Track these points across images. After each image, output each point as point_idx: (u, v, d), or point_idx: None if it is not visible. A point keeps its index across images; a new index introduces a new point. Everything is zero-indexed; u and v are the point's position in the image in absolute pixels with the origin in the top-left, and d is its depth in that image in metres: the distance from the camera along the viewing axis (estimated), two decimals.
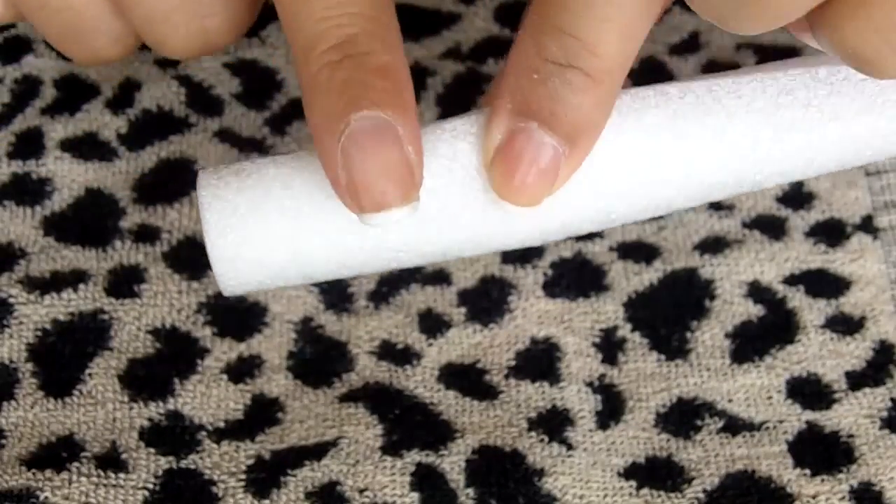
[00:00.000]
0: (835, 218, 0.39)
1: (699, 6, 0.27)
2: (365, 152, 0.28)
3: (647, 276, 0.38)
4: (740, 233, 0.39)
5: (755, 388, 0.36)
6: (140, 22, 0.32)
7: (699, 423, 0.35)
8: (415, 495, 0.34)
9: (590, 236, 0.39)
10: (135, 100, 0.42)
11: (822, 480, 0.34)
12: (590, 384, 0.36)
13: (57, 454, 0.35)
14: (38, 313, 0.37)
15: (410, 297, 0.38)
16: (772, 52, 0.42)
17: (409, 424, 0.35)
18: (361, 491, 0.34)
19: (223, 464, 0.35)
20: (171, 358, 0.37)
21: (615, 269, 0.38)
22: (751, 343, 0.37)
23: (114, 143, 0.41)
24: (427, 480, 0.34)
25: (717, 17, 0.27)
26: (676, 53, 0.43)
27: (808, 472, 0.34)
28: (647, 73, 0.42)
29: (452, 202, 0.30)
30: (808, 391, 0.36)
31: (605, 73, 0.29)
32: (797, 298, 0.38)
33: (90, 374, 0.36)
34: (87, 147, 0.41)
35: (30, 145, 0.41)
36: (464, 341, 0.37)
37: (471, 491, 0.34)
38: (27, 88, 0.42)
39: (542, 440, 0.35)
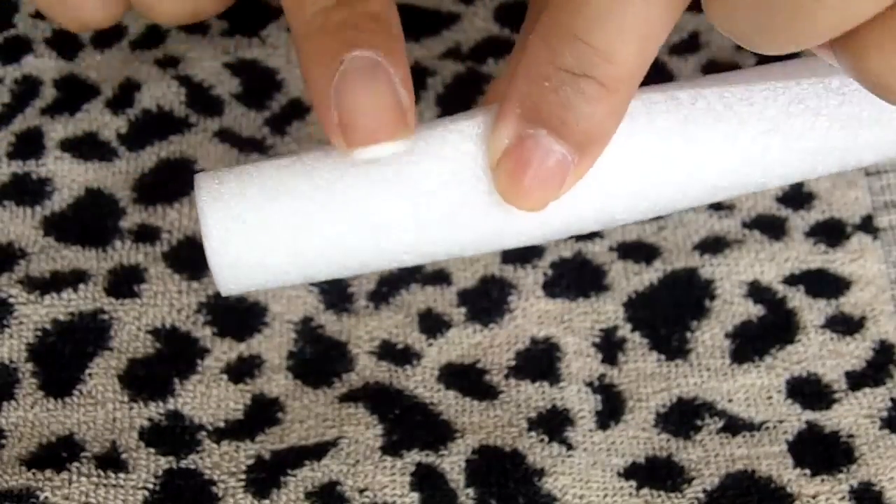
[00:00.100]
0: (835, 218, 0.39)
1: (722, 24, 0.26)
2: (358, 90, 0.28)
3: (647, 276, 0.38)
4: (740, 233, 0.39)
5: (755, 388, 0.36)
6: None
7: (699, 423, 0.35)
8: (415, 495, 0.34)
9: (590, 236, 0.39)
10: (135, 100, 0.42)
11: (822, 480, 0.34)
12: (590, 384, 0.36)
13: (57, 454, 0.35)
14: (38, 313, 0.37)
15: (410, 297, 0.38)
16: None
17: (409, 424, 0.35)
18: (361, 491, 0.34)
19: (223, 464, 0.35)
20: (171, 358, 0.37)
21: (615, 268, 0.38)
22: (751, 343, 0.37)
23: (114, 143, 0.41)
24: (427, 480, 0.34)
25: (742, 37, 0.26)
26: (676, 53, 0.43)
27: (808, 472, 0.34)
28: (647, 72, 0.42)
29: (456, 203, 0.30)
30: (808, 391, 0.36)
31: (620, 82, 0.28)
32: (797, 298, 0.38)
33: (90, 374, 0.36)
34: (87, 147, 0.41)
35: (30, 145, 0.41)
36: (464, 341, 0.37)
37: (471, 491, 0.34)
38: (27, 88, 0.42)
39: (542, 440, 0.35)
